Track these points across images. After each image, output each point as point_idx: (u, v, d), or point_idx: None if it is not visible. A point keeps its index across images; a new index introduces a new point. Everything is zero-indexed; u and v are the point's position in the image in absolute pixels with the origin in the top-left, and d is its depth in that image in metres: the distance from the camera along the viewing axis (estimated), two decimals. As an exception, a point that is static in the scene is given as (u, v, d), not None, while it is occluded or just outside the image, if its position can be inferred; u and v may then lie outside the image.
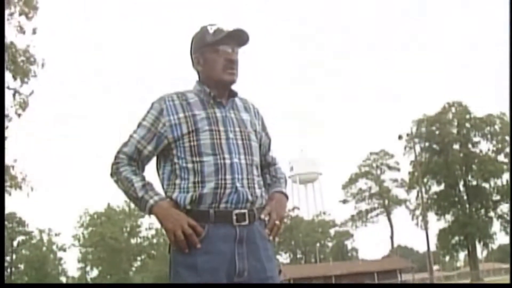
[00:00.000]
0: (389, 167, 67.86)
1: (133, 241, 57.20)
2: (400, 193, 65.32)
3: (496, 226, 46.37)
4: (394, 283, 47.93)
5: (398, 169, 65.53)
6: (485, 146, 46.78)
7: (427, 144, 48.09)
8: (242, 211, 2.49)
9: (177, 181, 2.53)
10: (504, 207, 46.11)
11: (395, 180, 67.14)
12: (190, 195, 2.47)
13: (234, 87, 2.70)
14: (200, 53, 2.67)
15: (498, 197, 46.07)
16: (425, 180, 47.17)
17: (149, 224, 55.37)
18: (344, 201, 70.05)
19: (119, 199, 54.87)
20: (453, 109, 47.86)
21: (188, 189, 2.49)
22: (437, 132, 47.28)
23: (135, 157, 2.59)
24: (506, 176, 45.48)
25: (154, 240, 56.22)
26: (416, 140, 46.37)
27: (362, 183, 69.48)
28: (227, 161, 2.51)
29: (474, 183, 46.80)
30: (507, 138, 45.05)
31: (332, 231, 77.50)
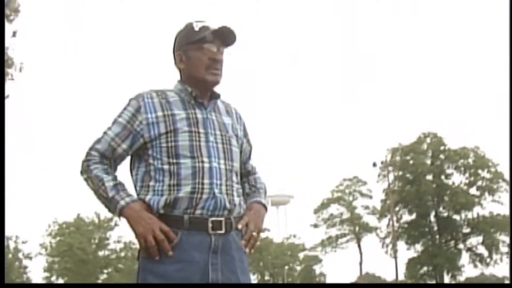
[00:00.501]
0: (362, 194, 67.79)
1: (100, 253, 56.28)
2: (371, 220, 65.21)
3: (464, 258, 46.53)
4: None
5: (371, 197, 65.50)
6: (457, 179, 47.08)
7: (400, 173, 48.26)
8: (219, 218, 2.35)
9: (151, 183, 2.37)
10: (473, 240, 46.36)
11: (367, 207, 67.05)
12: (164, 199, 2.32)
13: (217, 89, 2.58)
14: (183, 50, 2.53)
15: (468, 230, 46.27)
16: (396, 208, 47.29)
17: (118, 237, 54.64)
18: (315, 226, 69.82)
19: (89, 210, 54.13)
20: (428, 140, 48.17)
21: (163, 192, 2.34)
22: (411, 162, 47.47)
23: (108, 155, 2.43)
24: (476, 209, 45.81)
25: (122, 254, 55.45)
26: (390, 168, 46.52)
27: (334, 209, 69.27)
28: (206, 165, 2.36)
29: (445, 214, 46.96)
30: (480, 171, 45.50)
31: (301, 255, 77.18)
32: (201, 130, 2.42)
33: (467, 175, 46.57)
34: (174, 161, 2.35)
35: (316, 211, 70.11)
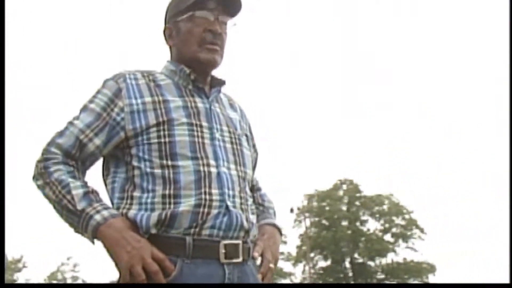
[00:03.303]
0: (277, 240, 67.65)
1: (4, 299, 53.11)
2: (286, 266, 64.94)
3: (379, 305, 46.61)
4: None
5: (285, 242, 65.36)
6: (373, 225, 47.38)
7: (316, 219, 48.30)
8: (234, 242, 1.69)
9: (137, 193, 1.70)
10: (387, 286, 46.59)
11: (282, 253, 66.74)
12: (157, 214, 1.64)
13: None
14: (173, 22, 1.90)
15: (382, 276, 46.48)
16: (312, 254, 47.13)
17: (25, 280, 51.69)
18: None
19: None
20: (344, 186, 48.54)
21: (154, 205, 1.66)
22: (327, 208, 47.61)
23: (74, 154, 1.74)
24: (391, 255, 46.14)
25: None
26: (307, 214, 46.49)
27: (249, 254, 68.73)
28: (213, 169, 1.71)
29: (360, 260, 47.10)
30: (394, 218, 46.06)
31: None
32: (204, 124, 1.79)
33: (382, 221, 47.04)
34: (170, 163, 1.70)
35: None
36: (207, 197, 1.67)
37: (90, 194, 1.66)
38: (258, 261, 1.82)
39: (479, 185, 54.72)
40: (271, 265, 1.82)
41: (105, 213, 1.63)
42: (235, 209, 1.70)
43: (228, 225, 1.68)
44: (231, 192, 1.72)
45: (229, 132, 1.84)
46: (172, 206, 1.65)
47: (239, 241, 1.70)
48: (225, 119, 1.87)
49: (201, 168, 1.70)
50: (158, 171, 1.69)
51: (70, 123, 1.77)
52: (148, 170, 1.70)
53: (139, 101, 1.76)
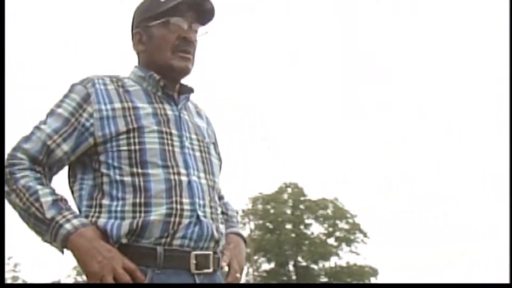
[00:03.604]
0: (221, 242, 67.61)
1: None
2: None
3: (322, 307, 47.02)
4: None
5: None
6: (317, 229, 47.78)
7: (261, 221, 48.45)
8: (205, 252, 1.69)
9: (105, 201, 1.67)
10: (330, 289, 47.03)
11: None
12: (128, 223, 1.62)
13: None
14: (144, 27, 1.88)
15: (325, 279, 46.94)
16: (255, 257, 47.27)
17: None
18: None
19: None
20: (289, 190, 48.81)
21: (124, 213, 1.64)
22: (271, 211, 47.82)
23: (41, 160, 1.70)
24: (334, 259, 46.64)
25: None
26: (251, 217, 46.61)
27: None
28: (183, 178, 1.71)
29: (304, 264, 47.47)
30: (338, 222, 46.57)
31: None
32: (174, 132, 1.78)
33: (326, 225, 47.48)
34: (140, 171, 1.68)
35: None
36: (178, 206, 1.66)
37: (59, 202, 1.63)
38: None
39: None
40: (238, 275, 1.82)
41: (76, 222, 1.61)
42: (206, 219, 1.70)
43: (199, 235, 1.68)
44: (201, 202, 1.72)
45: (198, 140, 1.84)
46: (142, 214, 1.63)
47: (210, 252, 1.70)
48: (193, 127, 1.86)
49: (172, 177, 1.69)
50: (128, 179, 1.67)
51: (37, 128, 1.73)
52: (118, 177, 1.68)
53: (108, 106, 1.74)
